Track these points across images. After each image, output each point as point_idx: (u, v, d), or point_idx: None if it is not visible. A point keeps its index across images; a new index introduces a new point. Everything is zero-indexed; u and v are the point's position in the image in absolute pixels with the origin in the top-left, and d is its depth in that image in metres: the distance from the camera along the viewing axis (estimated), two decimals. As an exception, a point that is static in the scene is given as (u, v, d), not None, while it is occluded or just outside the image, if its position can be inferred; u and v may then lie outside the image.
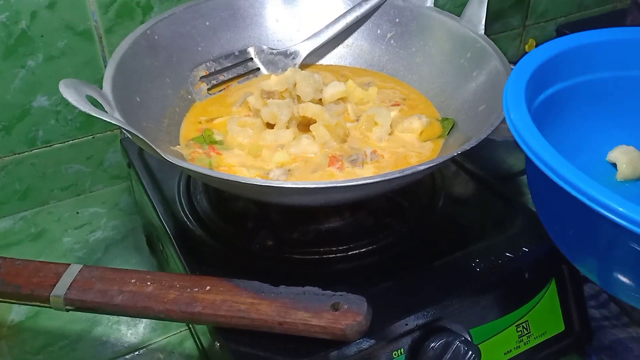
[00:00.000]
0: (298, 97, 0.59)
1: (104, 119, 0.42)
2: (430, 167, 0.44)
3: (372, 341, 0.45)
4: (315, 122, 0.55)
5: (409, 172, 0.42)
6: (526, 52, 1.00)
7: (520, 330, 0.51)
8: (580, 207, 0.34)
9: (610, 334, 0.58)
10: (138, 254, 0.69)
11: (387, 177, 0.42)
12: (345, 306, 0.43)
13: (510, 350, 0.51)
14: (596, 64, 0.49)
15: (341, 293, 0.44)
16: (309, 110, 0.55)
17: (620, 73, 0.50)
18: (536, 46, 1.01)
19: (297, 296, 0.45)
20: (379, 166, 0.53)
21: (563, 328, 0.54)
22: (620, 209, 0.33)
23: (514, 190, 0.78)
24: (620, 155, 0.51)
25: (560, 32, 0.98)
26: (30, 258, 0.66)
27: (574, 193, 0.34)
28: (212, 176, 0.43)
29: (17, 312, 0.61)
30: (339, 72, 0.67)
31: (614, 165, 0.52)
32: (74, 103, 0.41)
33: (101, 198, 0.77)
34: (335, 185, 0.42)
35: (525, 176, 0.80)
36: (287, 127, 0.57)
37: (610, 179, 0.51)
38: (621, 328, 0.58)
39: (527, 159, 0.40)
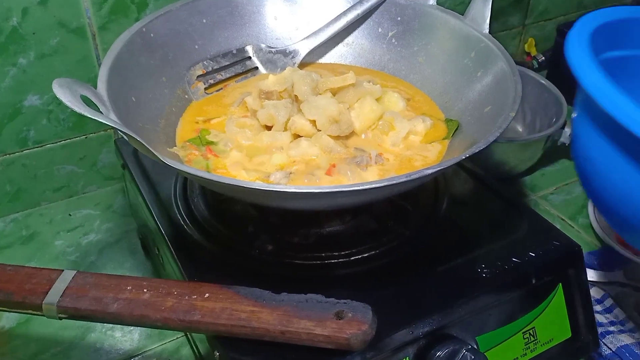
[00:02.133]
0: (296, 96, 0.57)
1: (100, 120, 0.41)
2: (437, 171, 0.42)
3: (377, 350, 0.44)
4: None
5: (416, 176, 0.41)
6: (526, 51, 1.01)
7: (527, 337, 0.50)
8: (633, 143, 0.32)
9: (617, 340, 0.57)
10: (132, 258, 0.67)
11: (394, 182, 0.40)
12: (350, 314, 0.42)
13: (517, 358, 0.50)
14: None
15: (345, 301, 0.43)
16: (301, 129, 0.54)
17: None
18: (535, 45, 1.01)
19: (299, 304, 0.43)
20: (384, 169, 0.51)
21: (570, 334, 0.52)
22: None
23: (517, 192, 0.77)
24: None
25: (560, 31, 0.98)
26: (21, 261, 0.66)
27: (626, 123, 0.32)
28: (213, 180, 0.42)
29: (8, 319, 0.60)
30: (339, 71, 0.65)
31: None
32: (68, 104, 0.39)
33: (94, 200, 0.75)
34: (339, 190, 0.41)
35: (527, 177, 0.80)
36: (285, 129, 0.55)
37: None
38: (628, 334, 0.57)
39: (579, 120, 0.38)
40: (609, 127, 0.38)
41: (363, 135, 0.55)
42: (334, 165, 0.51)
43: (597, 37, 0.42)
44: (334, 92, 0.56)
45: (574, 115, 0.44)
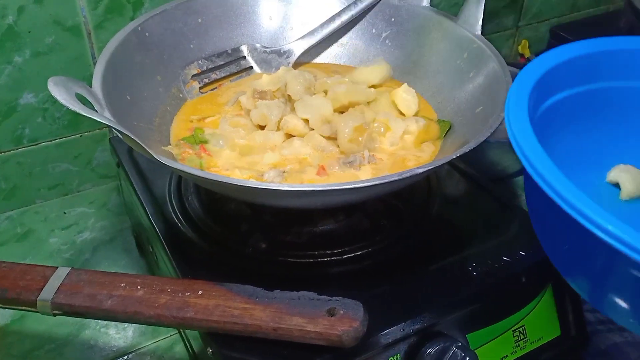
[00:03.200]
0: (289, 96, 0.58)
1: (95, 118, 0.41)
2: (428, 169, 0.43)
3: (368, 347, 0.44)
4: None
5: (408, 175, 0.41)
6: (519, 53, 1.01)
7: (517, 335, 0.51)
8: (578, 227, 0.33)
9: (606, 339, 0.57)
10: (127, 256, 0.68)
11: (386, 180, 0.41)
12: (342, 311, 0.42)
13: (507, 356, 0.51)
14: (603, 73, 0.48)
15: (337, 298, 0.43)
16: (294, 129, 0.54)
17: (628, 83, 0.49)
18: (529, 47, 1.01)
19: (291, 301, 0.44)
20: (377, 168, 0.52)
21: (559, 333, 0.53)
22: (620, 234, 0.31)
23: (509, 192, 0.77)
24: (621, 174, 0.49)
25: (554, 33, 0.98)
26: (16, 259, 0.66)
27: (571, 213, 0.33)
28: (207, 178, 0.42)
29: (2, 316, 0.60)
30: (334, 71, 0.66)
31: (616, 185, 0.51)
32: (63, 102, 0.40)
33: (89, 198, 0.75)
34: (332, 188, 0.41)
35: (520, 177, 0.80)
36: (278, 129, 0.55)
37: (615, 197, 0.50)
38: (617, 332, 0.58)
39: (525, 172, 0.39)
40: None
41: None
42: (323, 167, 0.51)
43: (537, 88, 0.43)
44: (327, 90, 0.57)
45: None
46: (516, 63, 1.01)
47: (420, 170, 0.42)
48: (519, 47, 1.01)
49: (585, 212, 0.33)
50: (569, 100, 0.47)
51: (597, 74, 0.48)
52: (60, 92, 0.41)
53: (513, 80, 0.45)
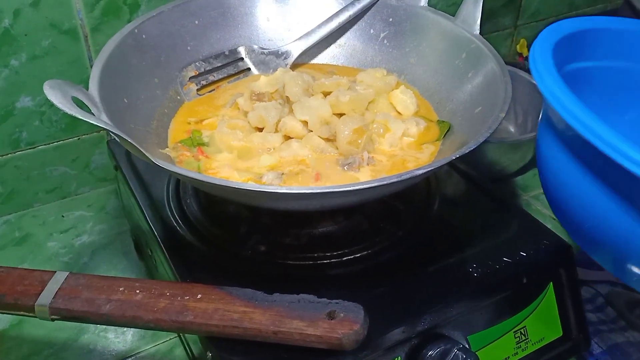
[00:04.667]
0: (287, 98, 0.57)
1: (91, 121, 0.41)
2: (428, 171, 0.43)
3: (369, 350, 0.44)
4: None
5: (407, 176, 0.41)
6: (518, 52, 1.01)
7: (518, 337, 0.50)
8: (611, 169, 0.32)
9: (608, 339, 0.57)
10: (125, 259, 0.67)
11: (385, 182, 0.41)
12: (342, 314, 0.42)
13: (508, 357, 0.50)
14: (624, 51, 0.47)
15: (337, 301, 0.43)
16: (292, 131, 0.54)
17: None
18: (527, 46, 1.01)
19: (291, 304, 0.43)
20: (376, 170, 0.51)
21: (561, 333, 0.53)
22: None
23: (508, 192, 0.77)
24: None
25: (552, 32, 0.98)
26: (14, 263, 0.65)
27: (607, 150, 0.32)
28: (204, 181, 0.42)
29: (0, 320, 0.59)
30: (331, 72, 0.65)
31: None
32: (60, 105, 0.39)
33: (87, 201, 0.75)
34: (331, 190, 0.41)
35: (519, 177, 0.80)
36: (276, 131, 0.55)
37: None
38: (619, 332, 0.58)
39: (542, 138, 0.38)
40: (572, 142, 0.38)
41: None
42: (318, 175, 0.51)
43: (560, 48, 0.42)
44: (326, 95, 0.56)
45: (539, 124, 0.44)
46: (514, 62, 1.01)
47: (420, 172, 0.42)
48: (517, 46, 1.01)
49: (620, 147, 0.31)
50: (591, 70, 0.46)
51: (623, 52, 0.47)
52: (57, 95, 0.40)
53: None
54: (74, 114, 0.40)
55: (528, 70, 0.96)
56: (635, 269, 0.38)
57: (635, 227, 0.35)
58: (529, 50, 1.01)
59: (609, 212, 0.36)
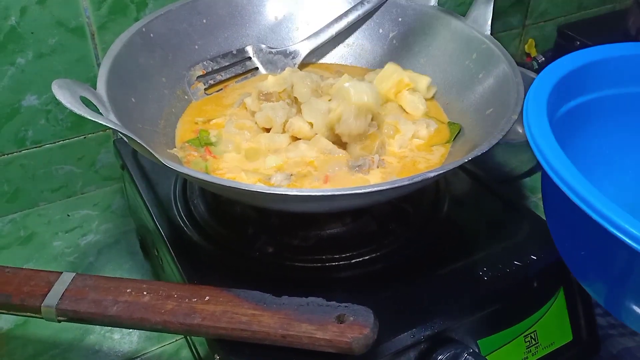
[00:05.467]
0: (295, 98, 0.57)
1: (100, 122, 0.40)
2: (440, 174, 0.42)
3: (378, 354, 0.43)
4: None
5: (419, 179, 0.41)
6: (526, 52, 1.00)
7: (529, 341, 0.50)
8: (598, 228, 0.33)
9: (618, 343, 0.56)
10: (131, 259, 0.67)
11: (397, 185, 0.40)
12: (351, 318, 0.42)
13: (518, 361, 0.50)
14: (626, 78, 0.47)
15: (346, 304, 0.43)
16: (299, 132, 0.54)
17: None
18: (536, 46, 1.00)
19: (300, 307, 0.43)
20: (386, 172, 0.51)
21: (571, 338, 0.52)
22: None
23: (517, 194, 0.77)
24: None
25: (561, 32, 0.97)
26: (20, 262, 0.65)
27: (593, 215, 0.33)
28: (213, 182, 0.42)
29: (5, 321, 0.59)
30: (340, 72, 0.65)
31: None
32: (68, 105, 0.39)
33: (93, 200, 0.75)
34: (341, 193, 0.40)
35: (528, 179, 0.79)
36: (284, 131, 0.55)
37: (634, 199, 0.49)
38: (629, 337, 0.57)
39: (544, 173, 0.38)
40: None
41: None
42: (327, 177, 0.51)
43: (555, 91, 0.42)
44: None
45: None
46: (522, 63, 1.00)
47: (433, 175, 0.41)
48: (526, 47, 1.01)
49: (607, 214, 0.32)
50: (590, 104, 0.46)
51: (614, 80, 0.47)
52: (65, 95, 0.40)
53: (525, 81, 0.44)
54: (82, 114, 0.39)
55: (536, 71, 0.96)
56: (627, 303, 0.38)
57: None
58: (537, 50, 1.00)
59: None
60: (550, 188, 0.40)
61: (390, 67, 0.59)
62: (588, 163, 0.45)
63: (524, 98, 0.44)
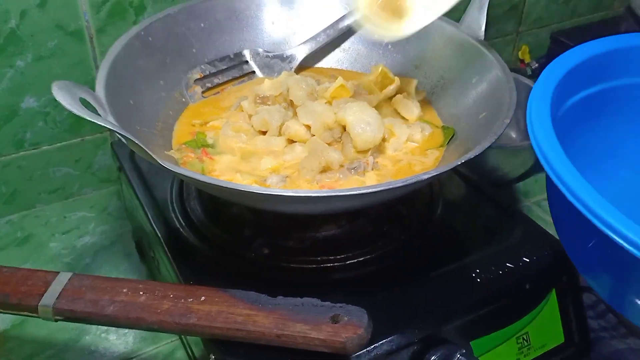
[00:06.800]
0: (291, 101, 0.58)
1: (98, 123, 0.41)
2: (433, 176, 0.43)
3: (372, 354, 0.44)
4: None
5: (412, 181, 0.41)
6: (519, 58, 1.01)
7: (521, 342, 0.51)
8: (598, 231, 0.33)
9: (609, 345, 0.57)
10: (127, 260, 0.67)
11: (391, 186, 0.41)
12: (346, 318, 0.42)
13: (511, 363, 0.50)
14: (632, 69, 0.47)
15: (341, 304, 0.43)
16: (295, 135, 0.54)
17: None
18: (529, 52, 1.01)
19: (295, 307, 0.43)
20: (381, 174, 0.51)
21: (563, 339, 0.53)
22: None
23: (511, 197, 0.77)
24: None
25: (554, 38, 0.98)
26: (16, 263, 0.65)
27: (592, 219, 0.33)
28: (209, 183, 0.42)
29: (2, 320, 0.59)
30: (335, 77, 0.65)
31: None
32: (68, 106, 0.40)
33: (90, 202, 0.75)
34: (336, 194, 0.41)
35: (521, 183, 0.80)
36: (280, 134, 0.55)
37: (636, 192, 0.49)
38: (620, 339, 0.58)
39: (548, 177, 0.39)
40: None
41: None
42: (322, 186, 0.51)
43: (561, 85, 0.43)
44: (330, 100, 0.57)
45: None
46: (516, 69, 1.01)
47: (426, 177, 0.42)
48: (519, 53, 1.01)
49: (607, 219, 0.32)
50: (590, 98, 0.46)
51: (616, 72, 0.47)
52: (65, 96, 0.40)
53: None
54: (82, 115, 0.40)
55: (530, 77, 0.97)
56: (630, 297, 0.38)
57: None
58: (531, 56, 1.01)
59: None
60: (552, 189, 0.40)
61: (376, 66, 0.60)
62: (598, 155, 0.45)
63: (530, 95, 0.44)
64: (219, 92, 0.63)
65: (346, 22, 0.65)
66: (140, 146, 0.42)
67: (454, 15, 0.62)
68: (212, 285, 0.46)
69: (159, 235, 0.54)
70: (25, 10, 0.62)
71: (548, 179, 0.41)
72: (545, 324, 0.52)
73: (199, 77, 0.62)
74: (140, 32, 0.57)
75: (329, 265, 0.51)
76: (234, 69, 0.64)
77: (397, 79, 0.60)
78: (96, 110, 0.45)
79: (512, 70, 0.56)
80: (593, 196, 0.34)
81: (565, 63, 0.44)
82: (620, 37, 0.48)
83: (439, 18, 0.63)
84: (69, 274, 0.47)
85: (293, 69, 0.65)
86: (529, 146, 0.74)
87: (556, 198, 0.42)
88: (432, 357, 0.45)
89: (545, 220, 0.75)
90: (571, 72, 0.44)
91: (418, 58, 0.64)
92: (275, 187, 0.49)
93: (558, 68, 0.44)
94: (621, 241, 0.32)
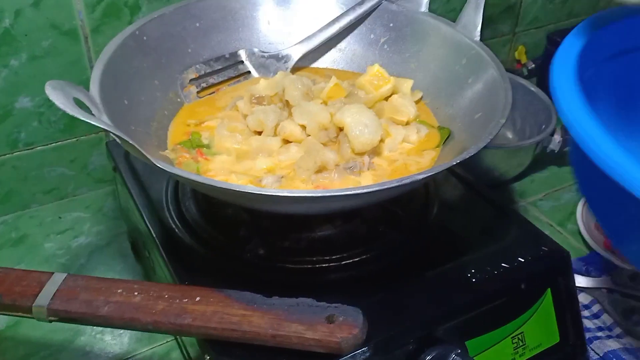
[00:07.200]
0: (287, 102, 0.58)
1: (92, 122, 0.41)
2: (428, 176, 0.43)
3: (367, 354, 0.44)
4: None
5: (408, 181, 0.41)
6: (516, 59, 1.01)
7: (516, 342, 0.50)
8: (631, 197, 0.31)
9: (605, 345, 0.57)
10: (123, 261, 0.67)
11: (386, 187, 0.41)
12: (341, 318, 0.42)
13: (506, 363, 0.50)
14: None
15: (336, 305, 0.43)
16: (290, 135, 0.54)
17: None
18: (526, 53, 1.01)
19: (290, 308, 0.43)
20: (377, 174, 0.51)
21: (558, 339, 0.53)
22: None
23: (506, 198, 0.78)
24: None
25: (551, 39, 0.98)
26: (11, 264, 0.65)
27: (625, 185, 0.31)
28: (204, 183, 0.42)
29: (-4, 321, 0.59)
30: (331, 77, 0.65)
31: None
32: (61, 106, 0.39)
33: (85, 202, 0.75)
34: (331, 194, 0.41)
35: (517, 183, 0.80)
36: (275, 134, 0.55)
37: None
38: (615, 339, 0.58)
39: (574, 143, 0.37)
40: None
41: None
42: (318, 187, 0.51)
43: (603, 37, 0.41)
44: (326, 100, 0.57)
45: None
46: (512, 69, 1.01)
47: (421, 177, 0.42)
48: (516, 53, 1.02)
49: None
50: (613, 66, 0.44)
51: None
52: (59, 96, 0.40)
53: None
54: (76, 115, 0.40)
55: (526, 77, 0.97)
56: None
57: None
58: (527, 57, 1.01)
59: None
60: (579, 155, 0.38)
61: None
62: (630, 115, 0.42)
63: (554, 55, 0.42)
64: (214, 92, 0.63)
65: (342, 22, 0.65)
66: (134, 146, 0.42)
67: (451, 15, 0.62)
68: (207, 285, 0.46)
69: (154, 235, 0.54)
70: (19, 10, 0.62)
71: (572, 142, 0.38)
72: (541, 324, 0.52)
73: (194, 77, 0.62)
74: (135, 32, 0.57)
75: (324, 265, 0.51)
76: (229, 68, 0.64)
77: (392, 79, 0.59)
78: (90, 110, 0.45)
79: (508, 70, 0.56)
80: (623, 158, 0.32)
81: (588, 30, 0.42)
82: None
83: (435, 18, 0.63)
84: (64, 275, 0.47)
85: (289, 69, 0.65)
86: (525, 147, 0.75)
87: (581, 159, 0.39)
88: (428, 357, 0.45)
89: (540, 220, 0.75)
90: (594, 39, 0.41)
91: (414, 58, 0.64)
92: (271, 188, 0.49)
93: (580, 34, 0.42)
94: None
